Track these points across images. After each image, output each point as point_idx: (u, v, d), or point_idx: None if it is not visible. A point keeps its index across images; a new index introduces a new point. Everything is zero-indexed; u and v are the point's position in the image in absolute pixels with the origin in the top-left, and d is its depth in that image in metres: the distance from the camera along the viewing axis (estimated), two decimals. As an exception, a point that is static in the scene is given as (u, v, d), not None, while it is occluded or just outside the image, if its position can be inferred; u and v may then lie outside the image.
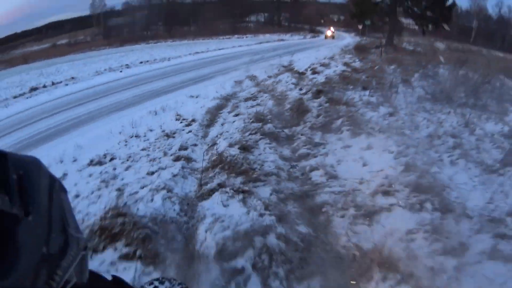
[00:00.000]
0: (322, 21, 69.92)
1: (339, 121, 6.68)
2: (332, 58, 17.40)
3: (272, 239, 3.53)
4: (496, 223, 3.71)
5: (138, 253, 3.54)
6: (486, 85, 9.49)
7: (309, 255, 3.44)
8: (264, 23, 73.37)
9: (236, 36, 56.84)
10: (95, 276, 1.02)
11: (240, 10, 70.82)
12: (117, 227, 3.85)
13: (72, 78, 21.00)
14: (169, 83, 15.29)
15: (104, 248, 3.68)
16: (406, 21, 33.26)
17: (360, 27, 39.67)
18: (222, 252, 3.41)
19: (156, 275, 3.29)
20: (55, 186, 0.76)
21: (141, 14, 72.68)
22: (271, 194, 4.38)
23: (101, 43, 65.02)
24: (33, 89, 19.57)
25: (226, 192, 4.42)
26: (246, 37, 54.85)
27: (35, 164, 0.72)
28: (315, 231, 3.78)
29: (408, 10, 28.35)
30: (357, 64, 15.07)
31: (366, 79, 10.81)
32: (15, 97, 18.80)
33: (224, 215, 3.95)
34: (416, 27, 31.08)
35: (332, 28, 48.91)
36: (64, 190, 0.83)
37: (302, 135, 6.32)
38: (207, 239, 3.63)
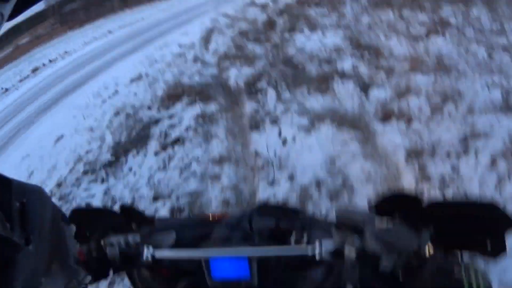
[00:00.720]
0: None
1: (299, 24, 9.23)
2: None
3: (275, 73, 6.21)
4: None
5: (197, 99, 6.07)
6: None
7: (296, 79, 6.08)
8: None
9: None
10: (103, 211, 1.14)
11: None
12: (179, 91, 6.43)
13: (65, 52, 20.58)
14: (156, 32, 15.51)
15: (174, 104, 6.20)
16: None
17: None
18: (248, 83, 6.08)
19: (213, 106, 5.78)
20: (58, 216, 0.78)
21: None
22: (264, 64, 6.93)
23: (62, 29, 63.13)
24: (34, 69, 18.93)
25: (237, 66, 7.03)
26: None
27: (39, 193, 0.72)
28: (297, 71, 6.42)
29: None
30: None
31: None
32: (6, 90, 19.27)
33: (240, 74, 6.56)
34: None
35: None
36: (66, 221, 0.85)
37: (275, 35, 8.84)
38: (237, 81, 6.29)
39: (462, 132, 3.95)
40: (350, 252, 0.79)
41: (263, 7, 13.20)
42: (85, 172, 5.22)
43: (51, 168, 5.88)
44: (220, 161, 4.42)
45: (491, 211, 0.74)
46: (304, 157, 4.09)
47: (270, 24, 9.91)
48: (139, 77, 8.55)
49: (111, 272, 0.98)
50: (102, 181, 4.95)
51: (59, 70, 15.34)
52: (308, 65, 6.53)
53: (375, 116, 4.71)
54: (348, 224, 0.83)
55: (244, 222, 1.04)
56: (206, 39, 10.56)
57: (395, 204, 0.81)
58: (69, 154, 6.05)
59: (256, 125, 5.01)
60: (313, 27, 8.78)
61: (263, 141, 4.51)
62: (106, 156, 5.42)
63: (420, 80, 5.18)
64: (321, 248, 0.84)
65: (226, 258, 0.91)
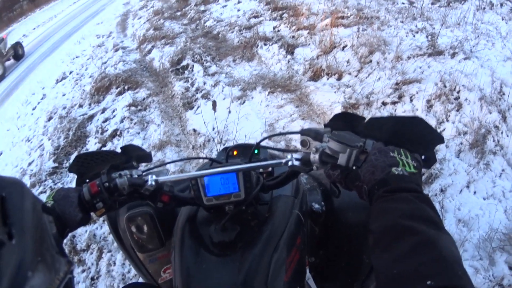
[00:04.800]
0: None
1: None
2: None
3: (197, 48, 6.26)
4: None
5: (126, 87, 5.99)
6: None
7: (219, 50, 6.17)
8: None
9: None
10: (108, 154, 1.15)
11: None
12: (106, 82, 6.31)
13: None
14: (71, 27, 15.04)
15: (104, 97, 6.07)
16: None
17: None
18: (172, 63, 6.07)
19: (143, 92, 5.71)
20: (39, 208, 0.77)
21: None
22: (185, 41, 6.89)
23: None
24: None
25: (159, 47, 7.00)
26: None
27: (18, 185, 0.72)
28: (220, 43, 6.51)
29: None
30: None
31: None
32: None
33: (163, 55, 6.53)
34: None
35: None
36: (47, 211, 0.85)
37: (191, 10, 8.81)
38: (161, 62, 6.28)
39: (394, 80, 4.14)
40: (314, 158, 0.94)
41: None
42: (33, 185, 5.05)
43: None
44: (161, 146, 4.42)
45: (418, 123, 0.91)
46: (242, 126, 4.14)
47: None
48: (63, 77, 8.39)
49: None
50: (51, 190, 4.65)
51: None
52: (228, 35, 6.62)
53: (305, 76, 4.85)
54: (311, 136, 0.99)
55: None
56: (122, 25, 10.40)
57: (344, 121, 1.00)
58: (12, 170, 5.87)
59: (189, 103, 5.05)
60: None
61: (199, 118, 4.50)
62: (49, 164, 5.25)
63: (344, 33, 5.35)
64: (292, 157, 1.01)
65: (217, 176, 1.06)
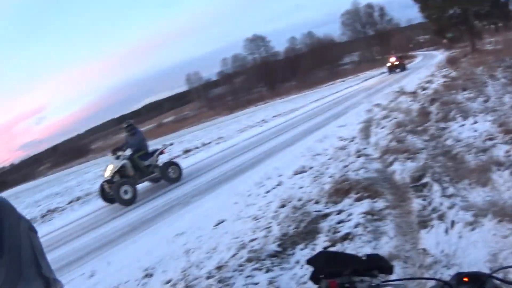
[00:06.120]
0: (411, 45, 69.96)
1: (452, 113, 9.88)
2: (432, 75, 21.49)
3: (437, 167, 6.81)
4: None
5: (365, 194, 6.58)
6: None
7: (457, 172, 6.57)
8: (359, 61, 75.97)
9: (339, 80, 57.80)
10: (353, 257, 1.18)
11: (332, 55, 73.83)
12: (346, 186, 7.05)
13: (220, 138, 22.79)
14: (313, 124, 17.61)
15: (342, 199, 6.71)
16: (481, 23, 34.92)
17: (445, 41, 40.85)
18: (413, 179, 6.64)
19: (381, 203, 6.18)
20: (25, 227, 0.77)
21: (239, 79, 77.94)
22: (426, 157, 7.51)
23: (209, 114, 66.81)
24: (186, 151, 21.54)
25: (400, 160, 7.74)
26: (349, 79, 55.65)
27: (3, 204, 0.71)
28: (458, 164, 6.91)
29: (476, 14, 31.24)
30: (453, 74, 18.93)
31: (463, 82, 14.12)
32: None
33: (404, 169, 7.21)
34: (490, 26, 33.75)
35: (394, 57, 46.29)
36: (34, 231, 0.86)
37: (431, 126, 9.50)
38: (402, 176, 6.94)
39: None
40: None
41: (413, 95, 13.84)
42: (249, 260, 5.25)
43: (211, 250, 6.12)
44: (390, 259, 4.30)
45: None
46: (469, 253, 4.11)
47: (424, 114, 10.73)
48: (303, 170, 9.22)
49: None
50: (267, 270, 4.97)
51: (213, 155, 17.21)
52: (466, 156, 7.01)
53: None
54: None
55: None
56: (365, 132, 11.39)
57: None
58: (231, 240, 6.24)
59: (423, 222, 5.19)
60: (463, 113, 9.45)
61: (431, 239, 4.55)
62: (272, 247, 5.45)
63: None
64: None
65: None
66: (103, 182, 12.80)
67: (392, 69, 44.07)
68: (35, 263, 0.80)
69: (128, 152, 13.39)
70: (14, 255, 0.74)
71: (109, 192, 12.23)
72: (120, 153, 13.11)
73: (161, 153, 14.06)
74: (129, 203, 12.00)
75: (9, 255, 0.71)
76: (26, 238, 0.81)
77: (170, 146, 18.36)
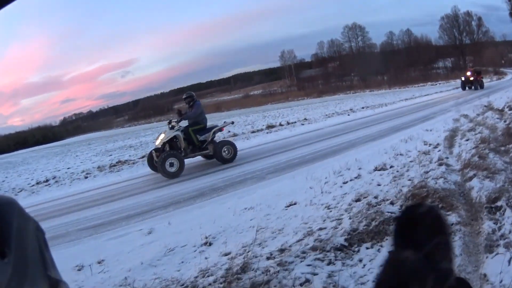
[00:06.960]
0: (503, 61, 66.83)
1: (542, 137, 9.61)
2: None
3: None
4: None
5: (440, 205, 6.74)
6: None
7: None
8: (452, 68, 74.79)
9: (429, 83, 57.86)
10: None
11: (427, 57, 72.63)
12: (424, 192, 7.25)
13: (305, 119, 23.52)
14: (400, 122, 17.96)
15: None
16: None
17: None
18: (488, 199, 6.74)
19: (453, 217, 6.24)
20: (32, 227, 0.77)
21: (332, 65, 77.55)
22: (504, 180, 7.46)
23: (297, 94, 69.59)
24: (270, 126, 22.06)
25: (480, 177, 7.80)
26: (440, 83, 55.34)
27: (11, 204, 0.71)
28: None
29: None
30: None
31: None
32: (253, 132, 21.11)
33: (482, 187, 7.25)
34: None
35: (470, 71, 41.52)
36: (41, 231, 0.85)
37: (515, 148, 9.34)
38: (478, 194, 7.03)
39: None
40: None
41: (501, 112, 13.46)
42: (314, 248, 5.21)
43: (277, 231, 6.22)
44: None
45: None
46: None
47: (509, 135, 10.55)
48: (383, 167, 9.35)
49: None
50: (329, 263, 4.91)
51: (297, 135, 17.64)
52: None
53: None
54: None
55: None
56: (449, 141, 11.41)
57: None
58: (300, 224, 6.30)
59: (490, 246, 5.05)
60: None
61: (494, 266, 4.46)
62: (339, 240, 5.42)
63: None
64: None
65: None
66: (153, 150, 13.25)
67: (466, 84, 39.87)
68: (41, 264, 0.83)
69: (184, 123, 13.57)
70: (21, 255, 0.76)
71: (157, 161, 12.51)
72: (174, 123, 13.35)
73: (220, 130, 14.15)
74: (172, 176, 12.22)
75: (16, 255, 0.74)
76: (33, 239, 0.84)
77: (238, 122, 18.73)
